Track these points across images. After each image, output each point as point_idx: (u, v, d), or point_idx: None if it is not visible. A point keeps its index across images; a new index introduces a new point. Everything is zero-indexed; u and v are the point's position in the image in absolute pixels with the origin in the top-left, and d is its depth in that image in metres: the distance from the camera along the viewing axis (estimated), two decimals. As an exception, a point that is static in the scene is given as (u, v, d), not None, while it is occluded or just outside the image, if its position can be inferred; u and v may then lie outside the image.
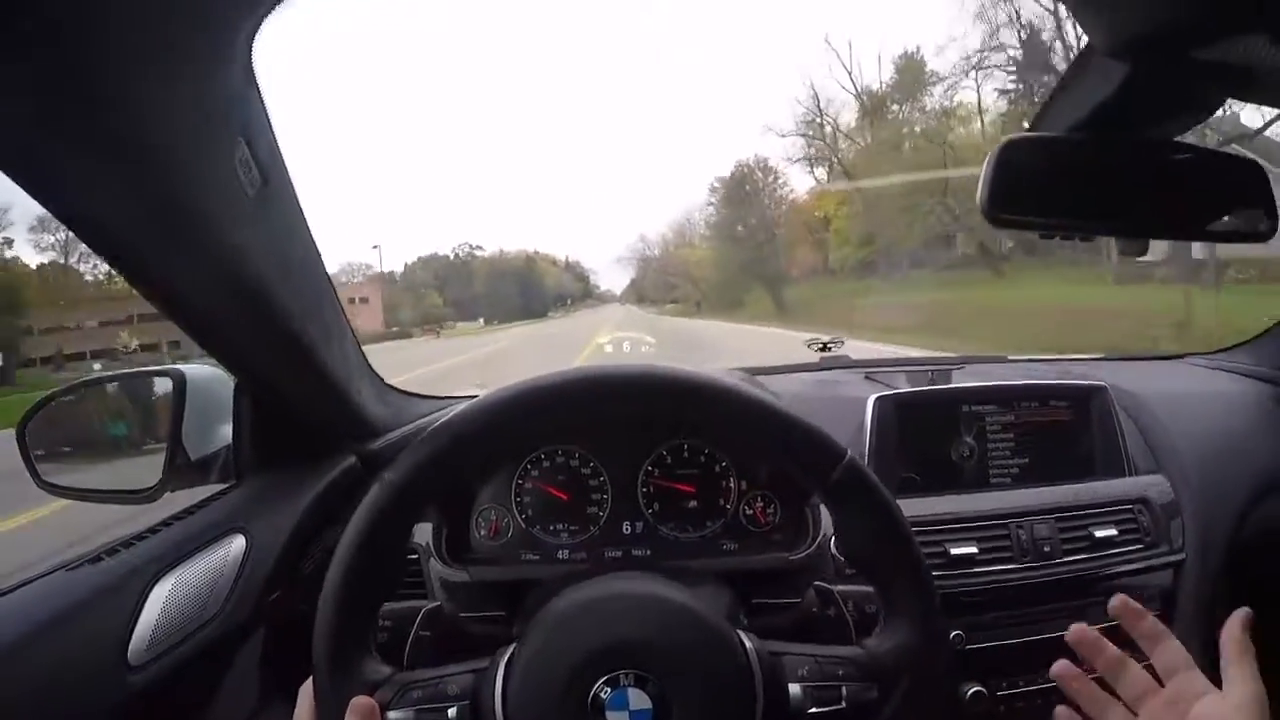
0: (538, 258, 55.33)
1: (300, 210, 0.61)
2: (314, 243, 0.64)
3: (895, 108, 20.57)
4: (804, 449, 0.49)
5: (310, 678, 0.48)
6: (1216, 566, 0.84)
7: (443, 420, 0.49)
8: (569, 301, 53.24)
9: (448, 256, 50.63)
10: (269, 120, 0.54)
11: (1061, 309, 9.58)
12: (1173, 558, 0.84)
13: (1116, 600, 0.53)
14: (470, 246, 50.96)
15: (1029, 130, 0.58)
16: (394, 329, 34.87)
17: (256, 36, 0.48)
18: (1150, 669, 0.51)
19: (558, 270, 58.05)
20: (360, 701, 0.44)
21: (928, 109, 19.86)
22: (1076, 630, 0.54)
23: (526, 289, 49.81)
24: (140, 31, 0.40)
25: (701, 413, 0.50)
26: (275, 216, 0.58)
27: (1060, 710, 0.54)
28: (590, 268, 62.62)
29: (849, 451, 0.49)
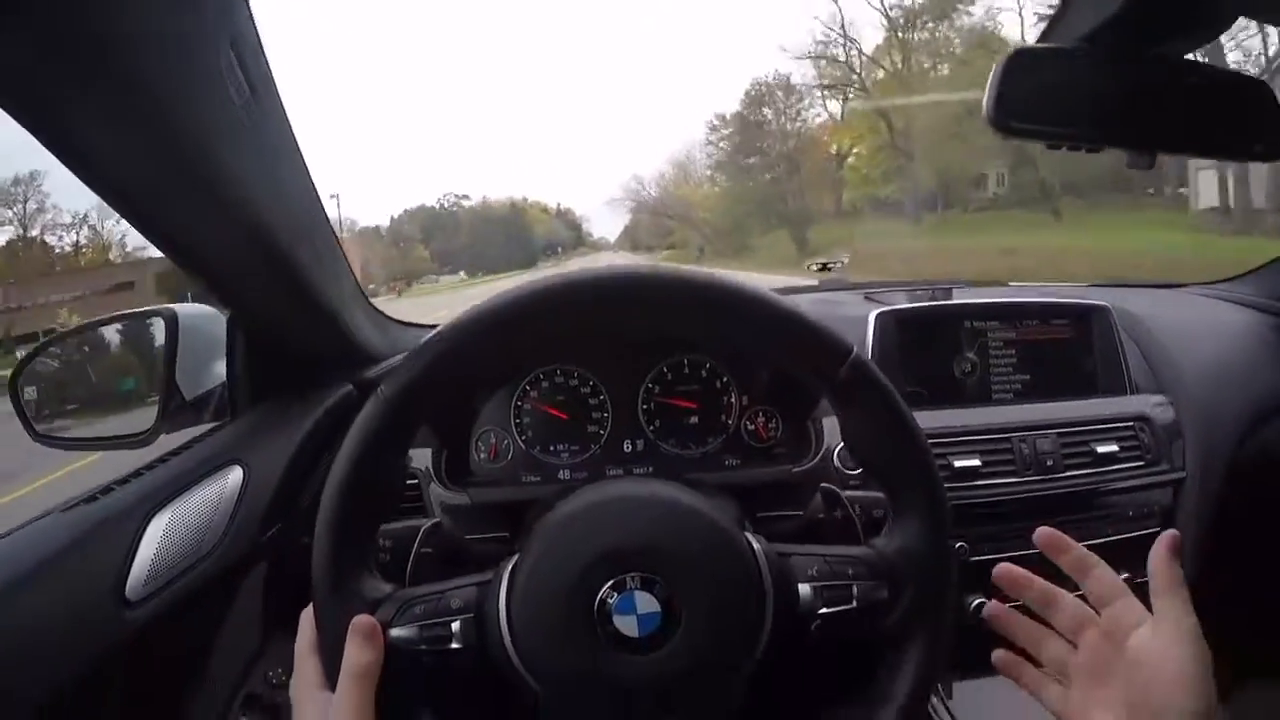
0: (526, 205, 53.47)
1: (290, 128, 0.59)
2: (304, 164, 0.62)
3: (931, 24, 18.01)
4: (811, 346, 0.47)
5: (311, 604, 0.47)
6: (1216, 486, 0.84)
7: (435, 332, 0.48)
8: (559, 250, 50.28)
9: (434, 208, 49.18)
10: (257, 30, 0.51)
11: (1161, 259, 8.10)
12: (1173, 475, 0.84)
13: (1039, 532, 0.51)
14: (456, 196, 48.96)
15: (1038, 41, 0.58)
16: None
17: None
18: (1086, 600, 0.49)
19: (548, 218, 56.28)
20: (361, 620, 0.43)
21: (966, 28, 17.30)
22: (1001, 569, 0.52)
23: (514, 238, 47.58)
24: None
25: (706, 312, 0.48)
26: (264, 133, 0.55)
27: (998, 654, 0.53)
28: (583, 214, 60.82)
29: (854, 348, 0.47)
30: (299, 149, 0.61)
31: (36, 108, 0.44)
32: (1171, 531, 0.47)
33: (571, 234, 56.66)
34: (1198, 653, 0.42)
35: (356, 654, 0.43)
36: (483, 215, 47.52)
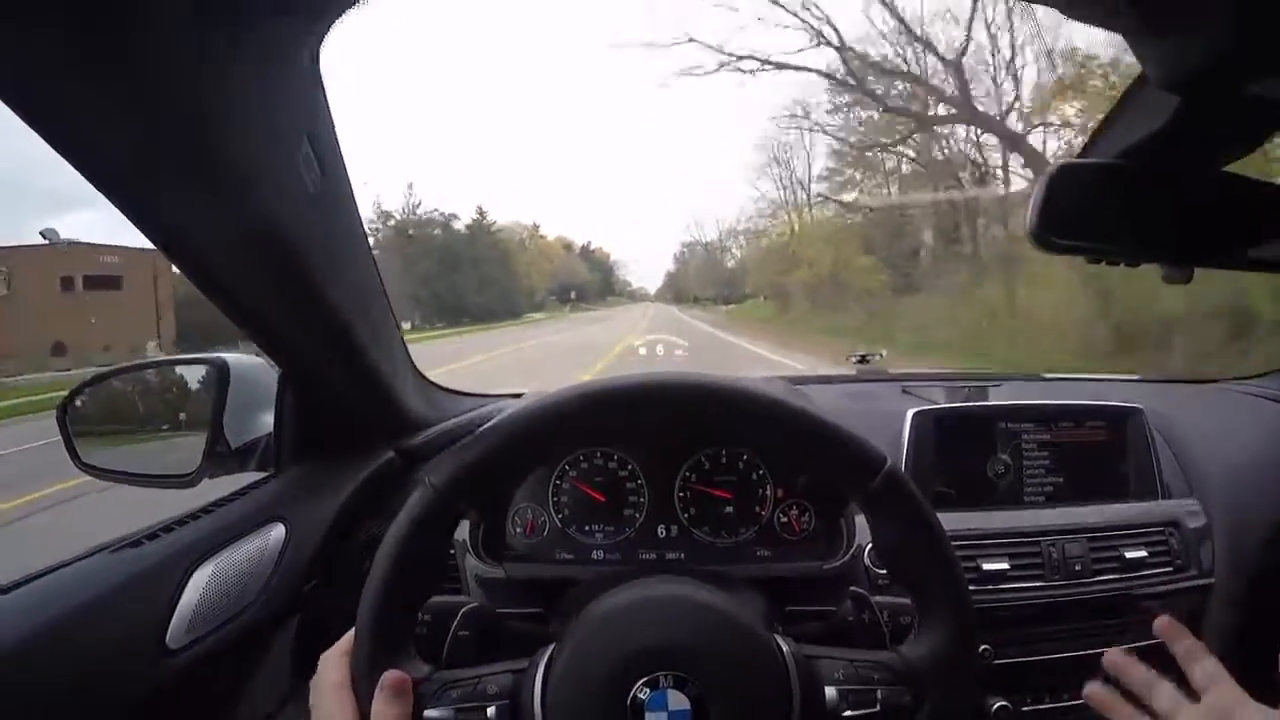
0: (535, 235, 41.67)
1: (356, 209, 0.62)
2: (367, 242, 0.65)
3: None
4: (844, 457, 0.49)
5: (332, 635, 0.49)
6: (1245, 592, 0.84)
7: (487, 426, 0.50)
8: (572, 297, 41.38)
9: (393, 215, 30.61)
10: (332, 119, 0.55)
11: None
12: (1202, 581, 0.83)
13: (1161, 620, 0.56)
14: (441, 215, 32.38)
15: (1079, 156, 0.59)
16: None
17: (326, 37, 0.48)
18: (1186, 688, 0.54)
19: (567, 256, 45.85)
20: (392, 675, 0.45)
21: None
22: (1112, 655, 0.57)
23: (495, 277, 33.40)
24: (214, 30, 0.40)
25: (743, 422, 0.50)
26: (332, 214, 0.59)
27: (1093, 688, 0.59)
28: (618, 260, 51.66)
29: (889, 459, 0.49)
30: (364, 232, 0.64)
31: (121, 183, 0.47)
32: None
33: (595, 277, 48.00)
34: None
35: (385, 708, 0.44)
36: (469, 241, 32.60)
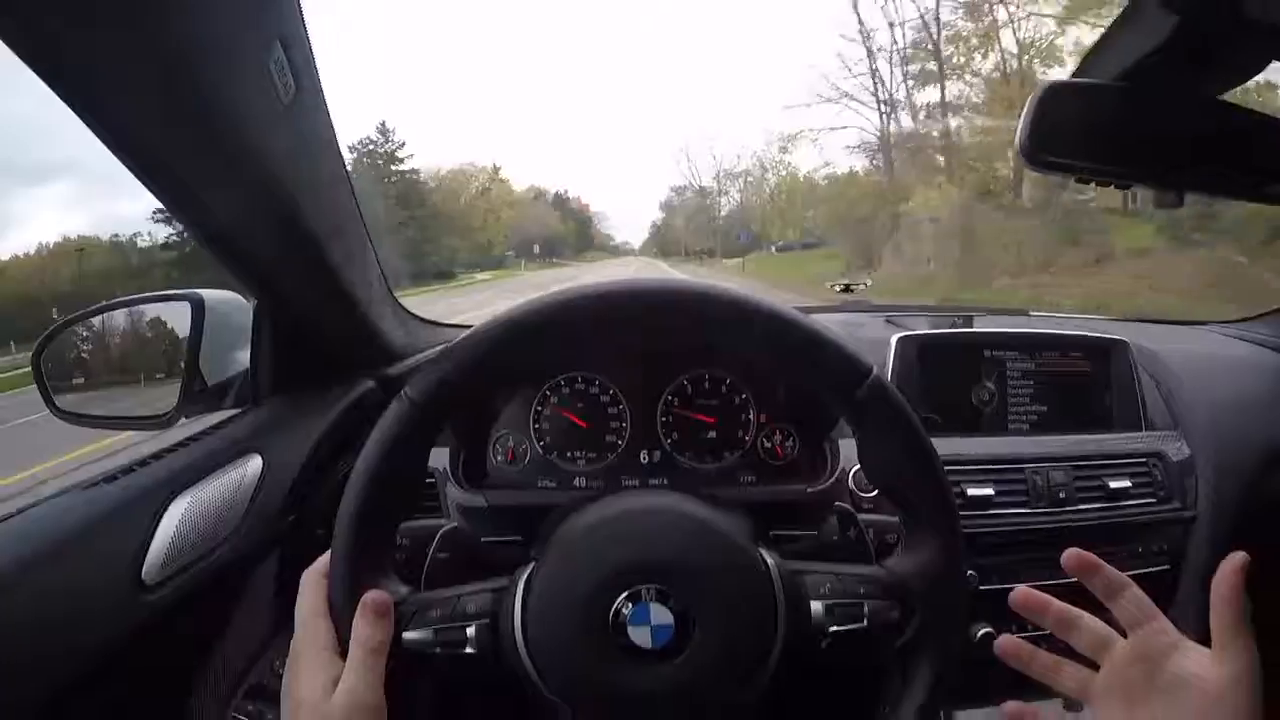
0: (492, 180, 32.72)
1: (331, 125, 0.60)
2: (342, 161, 0.63)
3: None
4: (830, 363, 0.48)
5: (315, 561, 0.48)
6: (1227, 528, 0.84)
7: (461, 337, 0.48)
8: (536, 251, 34.00)
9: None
10: (305, 25, 0.52)
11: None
12: (1185, 514, 0.84)
13: (1068, 554, 0.50)
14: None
15: (1073, 76, 0.58)
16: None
17: None
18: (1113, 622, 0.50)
19: (534, 203, 37.21)
20: (373, 595, 0.44)
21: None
22: (1020, 593, 0.51)
23: (429, 231, 27.14)
24: None
25: (724, 327, 0.49)
26: (306, 128, 0.56)
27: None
28: (600, 211, 44.13)
29: (874, 368, 0.48)
30: (338, 147, 0.62)
31: (85, 94, 0.45)
32: (1240, 554, 0.46)
33: (571, 228, 39.86)
34: (1255, 685, 0.43)
35: (368, 629, 0.44)
36: (375, 179, 25.71)
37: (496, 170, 34.25)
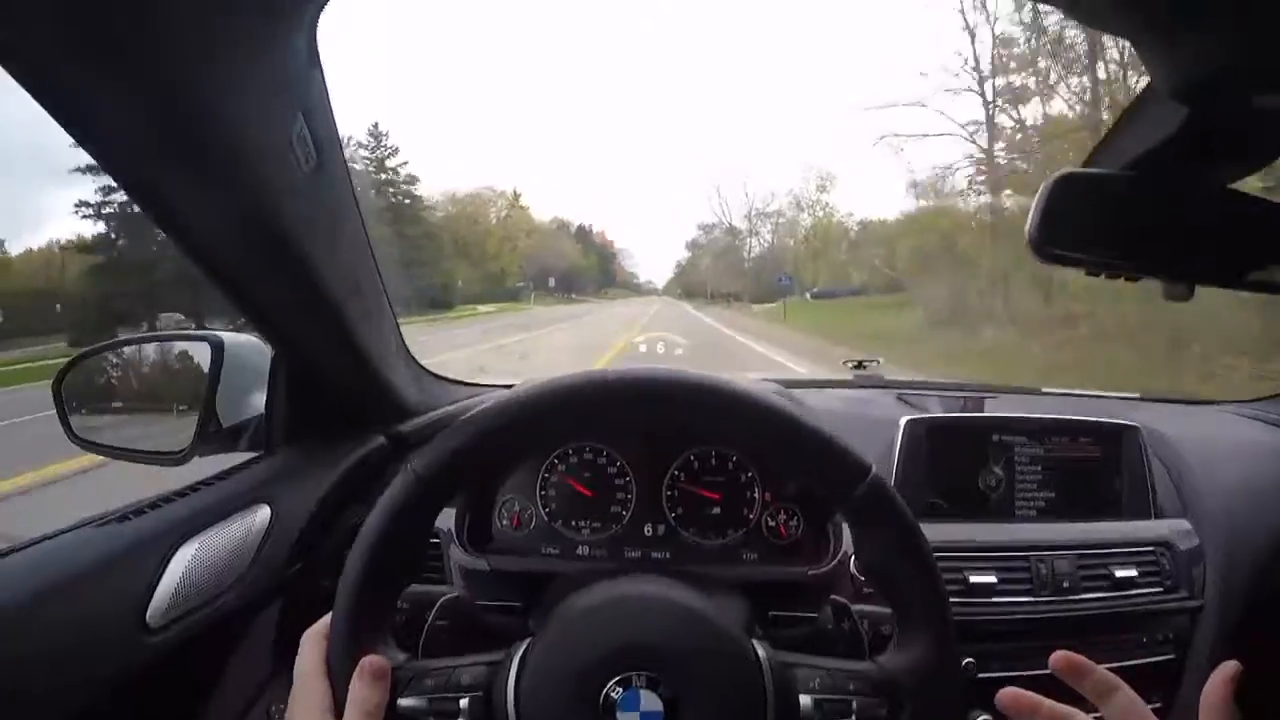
0: (511, 207, 30.80)
1: (351, 190, 0.62)
2: (362, 224, 0.65)
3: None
4: (828, 463, 0.49)
5: (316, 622, 0.48)
6: (1235, 617, 0.83)
7: (471, 414, 0.49)
8: (551, 284, 31.81)
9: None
10: (328, 99, 0.55)
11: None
12: (1191, 603, 0.83)
13: (1057, 656, 0.49)
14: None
15: (1083, 166, 0.58)
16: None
17: (321, 15, 0.48)
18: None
19: (553, 233, 34.65)
20: (372, 659, 0.44)
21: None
22: (1006, 694, 0.50)
23: (428, 256, 24.11)
24: (209, 5, 0.40)
25: (729, 421, 0.50)
26: (327, 194, 0.58)
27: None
28: (624, 248, 42.30)
29: (873, 468, 0.48)
30: (359, 210, 0.64)
31: (117, 160, 0.47)
32: (1231, 664, 0.47)
33: (592, 263, 37.67)
34: None
35: (365, 692, 0.44)
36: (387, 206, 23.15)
37: (517, 196, 32.25)
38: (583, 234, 39.14)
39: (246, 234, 0.55)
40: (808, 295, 20.92)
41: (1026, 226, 0.51)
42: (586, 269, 37.72)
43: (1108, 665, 0.78)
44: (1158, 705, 0.81)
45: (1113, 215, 0.51)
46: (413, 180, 24.95)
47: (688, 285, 32.44)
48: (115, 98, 0.42)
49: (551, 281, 32.91)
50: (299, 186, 0.54)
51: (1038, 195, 0.51)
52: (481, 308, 24.79)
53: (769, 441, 0.50)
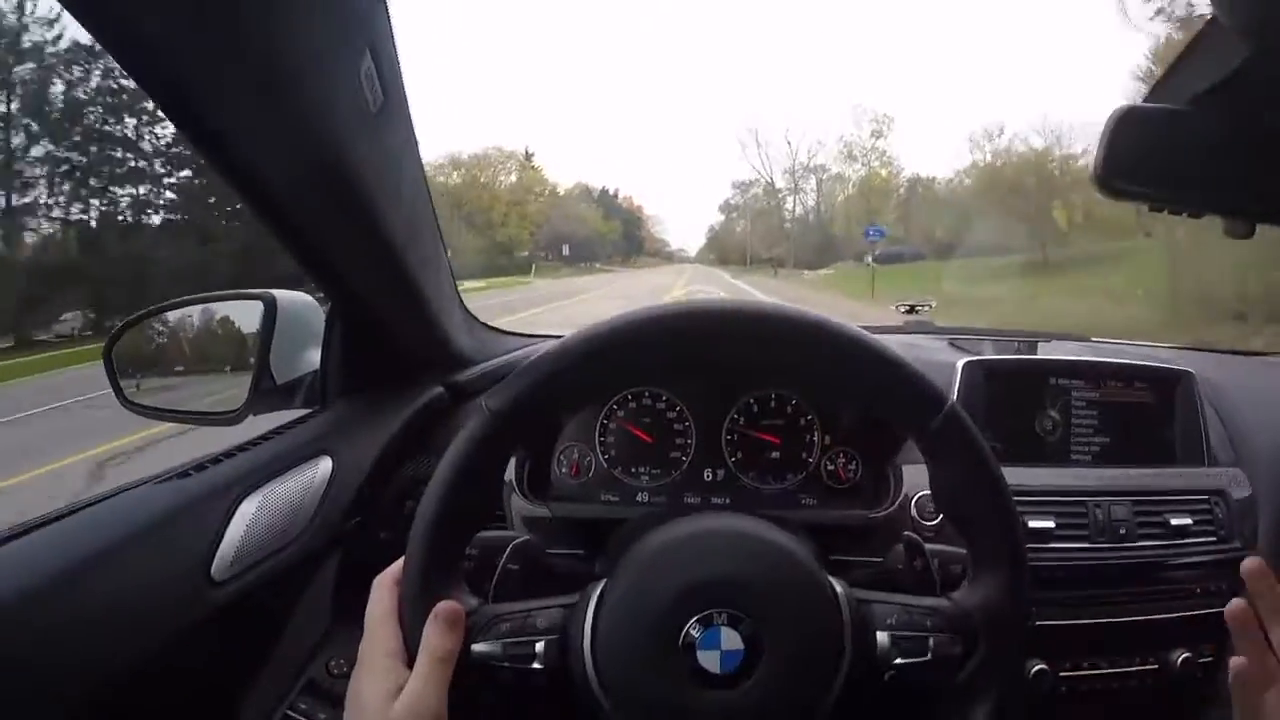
0: (522, 169, 27.08)
1: (414, 133, 0.61)
2: (422, 169, 0.64)
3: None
4: (906, 392, 0.48)
5: (379, 565, 0.48)
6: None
7: (544, 351, 0.49)
8: (565, 252, 28.01)
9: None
10: (393, 36, 0.54)
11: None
12: (1245, 553, 0.81)
13: (1251, 561, 0.49)
14: None
15: (1146, 100, 0.57)
16: None
17: None
18: None
19: (572, 202, 30.54)
20: (446, 605, 0.44)
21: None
22: (1254, 562, 0.49)
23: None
24: None
25: (807, 351, 0.48)
26: (391, 136, 0.57)
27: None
28: (653, 214, 40.14)
29: (951, 399, 0.47)
30: (419, 155, 0.63)
31: (182, 102, 0.46)
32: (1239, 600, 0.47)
33: (616, 226, 33.30)
34: None
35: (439, 639, 0.44)
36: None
37: (529, 156, 28.36)
38: (606, 198, 35.27)
39: (312, 177, 0.54)
40: (868, 261, 17.86)
41: (1092, 161, 0.50)
42: (608, 235, 33.59)
43: (1159, 616, 0.79)
44: (1209, 659, 0.81)
45: (1174, 150, 0.50)
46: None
47: (722, 251, 29.55)
48: (179, 36, 0.42)
49: (566, 249, 29.13)
50: (365, 126, 0.53)
51: (1102, 130, 0.50)
52: (469, 283, 19.77)
53: (847, 371, 0.48)
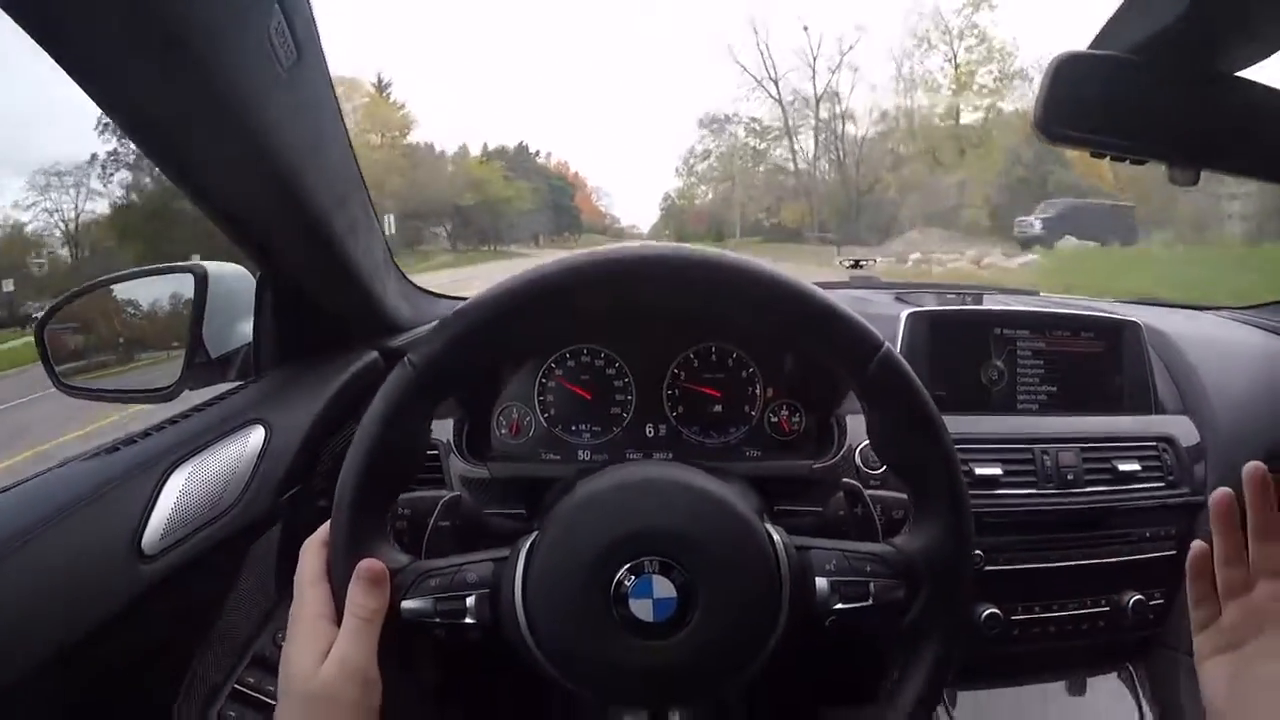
0: (375, 103, 20.42)
1: (332, 93, 0.59)
2: (344, 129, 0.62)
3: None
4: (842, 337, 0.47)
5: (314, 531, 0.47)
6: (1235, 514, 0.84)
7: (465, 304, 0.48)
8: (447, 231, 21.52)
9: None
10: None
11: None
12: (1193, 499, 0.83)
13: (1253, 466, 0.47)
14: None
15: (1090, 47, 0.57)
16: None
17: None
18: None
19: (433, 158, 22.29)
20: (368, 563, 0.44)
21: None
22: (1254, 466, 0.47)
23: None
24: None
25: (742, 297, 0.47)
26: (307, 95, 0.55)
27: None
28: (598, 185, 31.97)
29: (886, 343, 0.47)
30: (340, 115, 0.61)
31: (86, 63, 0.44)
32: (1198, 543, 0.47)
33: (525, 193, 24.14)
34: None
35: (363, 597, 0.43)
36: None
37: (382, 87, 19.74)
38: (521, 156, 25.97)
39: (225, 140, 0.52)
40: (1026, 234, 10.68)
41: (1032, 107, 0.50)
42: (514, 202, 23.91)
43: (1108, 560, 0.80)
44: (1159, 602, 0.82)
45: (1116, 97, 0.50)
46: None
47: (681, 224, 21.21)
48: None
49: (448, 227, 20.96)
50: (278, 86, 0.51)
51: (1041, 76, 0.50)
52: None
53: (782, 316, 0.47)
